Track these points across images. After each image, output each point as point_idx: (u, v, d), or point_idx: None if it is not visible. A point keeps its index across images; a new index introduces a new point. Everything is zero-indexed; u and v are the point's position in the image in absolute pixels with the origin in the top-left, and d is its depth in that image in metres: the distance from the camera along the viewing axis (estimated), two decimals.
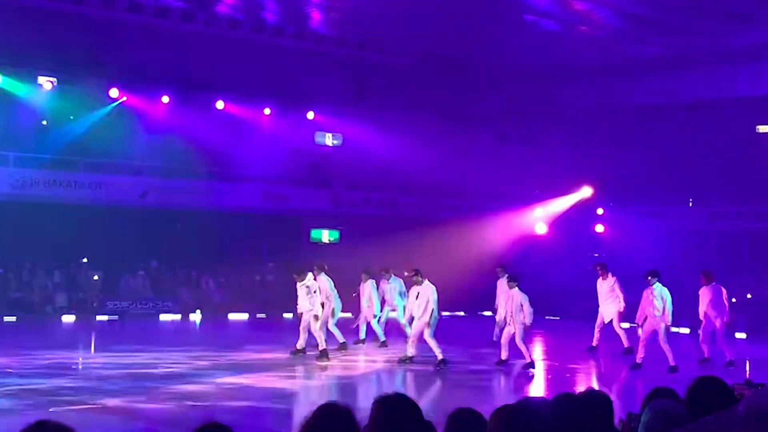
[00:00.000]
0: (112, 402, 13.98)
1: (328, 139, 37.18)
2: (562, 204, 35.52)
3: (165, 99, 32.05)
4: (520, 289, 18.87)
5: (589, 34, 30.69)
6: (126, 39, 30.83)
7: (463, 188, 35.83)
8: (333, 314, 21.23)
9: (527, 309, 18.47)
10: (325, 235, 36.98)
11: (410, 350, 19.16)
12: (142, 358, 19.47)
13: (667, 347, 18.70)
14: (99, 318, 28.70)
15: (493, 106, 35.41)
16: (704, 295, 20.26)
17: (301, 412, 4.07)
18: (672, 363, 18.58)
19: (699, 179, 34.10)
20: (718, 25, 29.21)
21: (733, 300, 25.76)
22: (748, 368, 20.25)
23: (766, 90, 31.32)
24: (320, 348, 19.36)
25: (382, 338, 22.37)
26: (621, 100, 34.27)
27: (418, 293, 18.90)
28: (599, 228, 35.32)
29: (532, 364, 18.77)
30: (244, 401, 14.36)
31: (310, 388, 16.93)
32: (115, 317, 29.03)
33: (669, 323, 18.97)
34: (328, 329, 20.71)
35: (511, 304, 18.72)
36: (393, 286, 23.21)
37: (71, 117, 31.24)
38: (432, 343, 18.52)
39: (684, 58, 31.88)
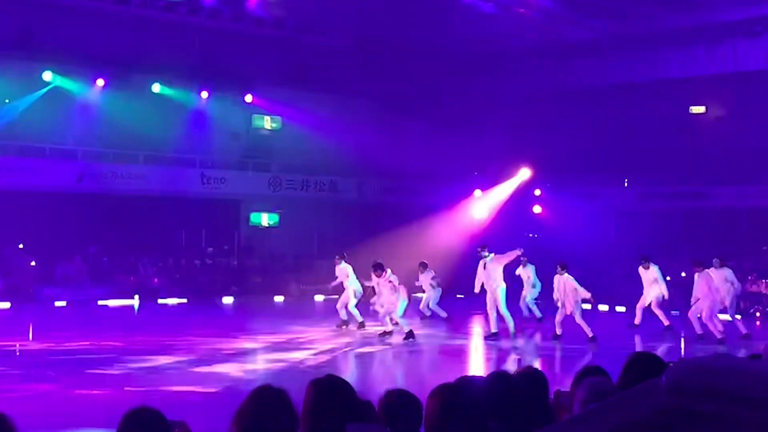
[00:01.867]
0: (49, 388, 13.85)
1: (267, 123, 37.00)
2: (503, 189, 35.74)
3: (100, 82, 31.61)
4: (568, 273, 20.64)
5: (525, 16, 30.90)
6: (59, 21, 30.31)
7: (402, 171, 35.95)
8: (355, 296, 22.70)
9: (581, 289, 20.30)
10: (265, 219, 36.84)
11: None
12: (79, 344, 19.26)
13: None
14: (35, 304, 28.28)
15: (432, 89, 35.53)
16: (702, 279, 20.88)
17: (238, 398, 4.05)
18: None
19: (633, 160, 34.63)
20: (652, 8, 29.64)
21: (668, 278, 26.29)
22: (683, 344, 20.73)
23: (698, 72, 31.85)
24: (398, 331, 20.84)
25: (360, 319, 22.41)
26: (557, 82, 34.59)
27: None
28: (537, 209, 35.68)
29: (594, 339, 20.06)
30: (183, 386, 14.31)
31: (253, 373, 16.89)
32: (52, 304, 28.63)
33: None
34: (348, 310, 22.53)
35: (563, 289, 20.51)
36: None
37: (6, 100, 30.66)
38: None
39: (618, 41, 32.27)
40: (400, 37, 33.54)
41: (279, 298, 31.27)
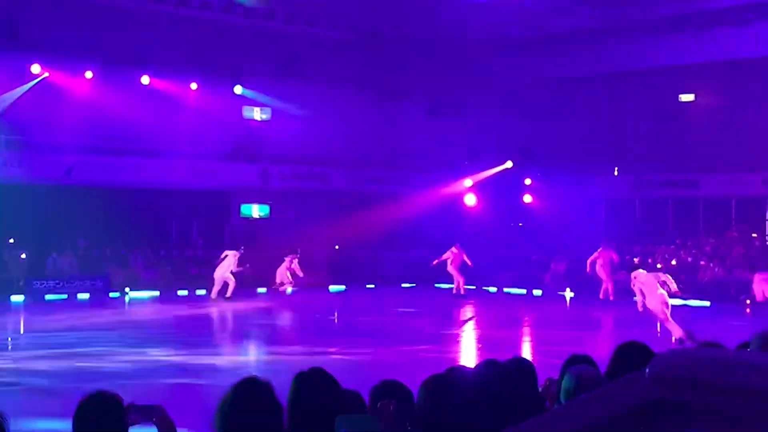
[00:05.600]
0: (38, 382, 13.84)
1: (257, 114, 36.91)
2: (494, 179, 35.78)
3: (89, 74, 31.47)
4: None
5: (515, 5, 30.90)
6: (47, 13, 30.17)
7: (393, 161, 35.94)
8: None
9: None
10: (255, 210, 36.78)
11: None
12: (70, 337, 19.24)
13: None
14: (26, 298, 28.22)
15: (422, 78, 35.50)
16: None
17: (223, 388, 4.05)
18: None
19: (624, 148, 34.69)
20: None
21: (659, 266, 26.45)
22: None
23: (687, 59, 31.88)
24: None
25: None
26: (547, 70, 34.62)
27: None
28: (527, 198, 35.71)
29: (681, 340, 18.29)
30: (174, 378, 14.32)
31: (240, 364, 16.90)
32: (43, 297, 28.58)
33: None
34: None
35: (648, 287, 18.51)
36: None
37: None
38: None
39: (607, 29, 32.29)
40: (391, 27, 33.52)
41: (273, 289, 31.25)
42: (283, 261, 28.91)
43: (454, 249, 29.19)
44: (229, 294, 27.76)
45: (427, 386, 4.41)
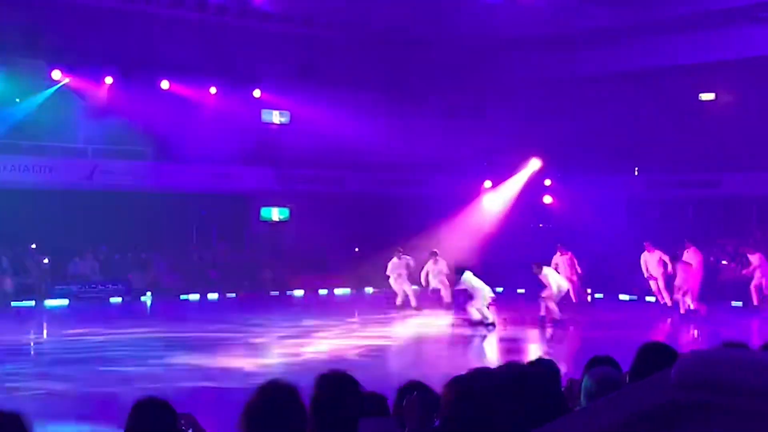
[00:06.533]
0: (61, 387, 13.92)
1: (275, 117, 37.00)
2: (514, 180, 35.66)
3: (108, 80, 31.65)
4: None
5: (531, 5, 30.83)
6: (66, 19, 30.33)
7: (412, 163, 35.87)
8: None
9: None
10: (275, 214, 36.87)
11: None
12: (92, 341, 19.36)
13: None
14: (48, 302, 28.39)
15: (439, 80, 35.46)
16: None
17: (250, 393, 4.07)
18: None
19: (643, 148, 34.48)
20: None
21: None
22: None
23: (706, 58, 31.68)
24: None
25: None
26: (565, 70, 34.48)
27: None
28: (547, 199, 35.59)
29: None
30: (196, 382, 14.37)
31: (266, 368, 16.93)
32: (65, 301, 28.75)
33: None
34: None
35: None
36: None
37: (17, 99, 30.76)
38: None
39: (626, 28, 32.14)
40: (407, 29, 33.49)
41: (299, 293, 31.33)
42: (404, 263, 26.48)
43: (560, 255, 26.87)
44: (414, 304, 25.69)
45: (451, 387, 4.42)
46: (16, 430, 3.37)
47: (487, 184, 36.12)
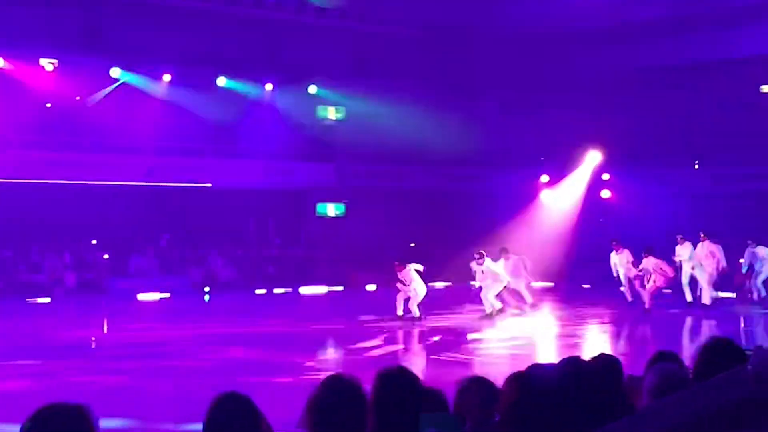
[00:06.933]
0: (124, 380, 14.06)
1: (331, 113, 37.08)
2: (573, 175, 35.34)
3: (166, 77, 32.00)
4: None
5: None
6: (125, 17, 30.75)
7: (468, 158, 35.67)
8: None
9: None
10: (331, 209, 36.96)
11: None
12: (152, 335, 19.57)
13: None
14: (109, 297, 28.78)
15: (497, 73, 35.22)
16: None
17: (311, 387, 4.03)
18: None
19: (704, 141, 33.95)
20: None
21: (741, 261, 25.92)
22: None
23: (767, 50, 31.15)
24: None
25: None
26: (624, 63, 34.06)
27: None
28: (606, 193, 35.22)
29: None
30: (255, 376, 14.40)
31: (323, 361, 16.96)
32: (125, 296, 29.12)
33: None
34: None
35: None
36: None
37: (77, 97, 31.22)
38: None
39: (686, 19, 31.67)
40: (463, 22, 33.33)
41: (372, 287, 31.23)
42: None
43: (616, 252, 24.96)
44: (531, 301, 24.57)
45: (510, 383, 4.36)
46: (83, 422, 3.37)
47: (545, 179, 35.85)
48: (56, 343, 18.32)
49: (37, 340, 18.78)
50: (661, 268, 23.02)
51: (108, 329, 21.91)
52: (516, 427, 4.22)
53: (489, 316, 22.21)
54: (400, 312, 21.96)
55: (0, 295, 27.19)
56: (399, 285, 21.95)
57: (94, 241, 31.01)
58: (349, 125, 36.34)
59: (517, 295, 24.06)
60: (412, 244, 34.01)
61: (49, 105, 31.24)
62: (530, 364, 4.90)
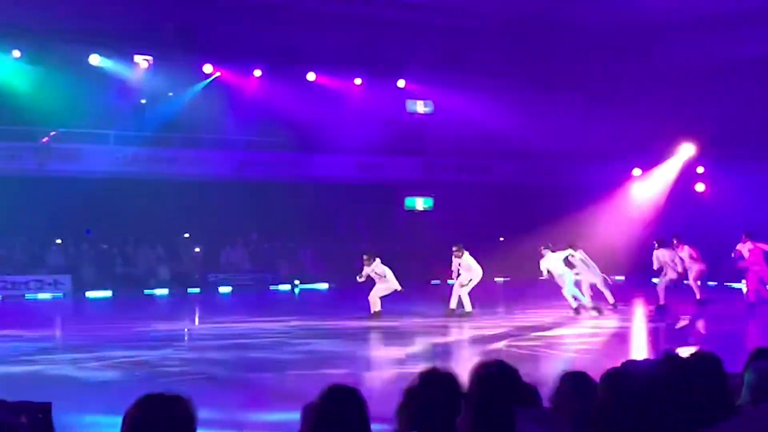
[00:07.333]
0: (218, 372, 14.25)
1: (420, 107, 37.06)
2: (665, 168, 34.66)
3: (257, 72, 32.39)
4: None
5: None
6: (217, 14, 31.18)
7: (557, 152, 35.28)
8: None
9: None
10: (419, 203, 36.95)
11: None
12: (245, 328, 19.83)
13: None
14: (201, 290, 29.25)
15: (585, 66, 34.70)
16: None
17: (404, 378, 4.03)
18: None
19: None
20: None
21: None
22: None
23: None
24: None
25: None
26: (717, 53, 33.18)
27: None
28: (700, 187, 34.43)
29: None
30: (345, 369, 14.45)
31: (410, 355, 16.90)
32: (216, 289, 29.57)
33: None
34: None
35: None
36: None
37: (170, 93, 31.80)
38: None
39: None
40: (550, 15, 32.96)
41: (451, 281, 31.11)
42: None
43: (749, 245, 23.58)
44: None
45: (605, 380, 4.29)
46: (182, 412, 3.42)
47: (636, 171, 35.22)
48: (151, 335, 18.66)
49: (130, 332, 19.14)
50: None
51: (200, 321, 22.28)
52: (613, 425, 4.15)
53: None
54: (453, 305, 21.57)
55: (101, 287, 27.96)
56: (454, 275, 21.68)
57: (186, 235, 31.55)
58: (437, 119, 36.29)
59: (597, 291, 22.58)
60: (501, 239, 33.77)
61: (143, 101, 31.93)
62: (624, 360, 4.82)
